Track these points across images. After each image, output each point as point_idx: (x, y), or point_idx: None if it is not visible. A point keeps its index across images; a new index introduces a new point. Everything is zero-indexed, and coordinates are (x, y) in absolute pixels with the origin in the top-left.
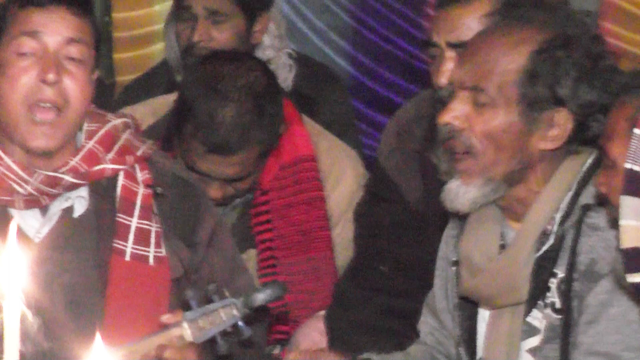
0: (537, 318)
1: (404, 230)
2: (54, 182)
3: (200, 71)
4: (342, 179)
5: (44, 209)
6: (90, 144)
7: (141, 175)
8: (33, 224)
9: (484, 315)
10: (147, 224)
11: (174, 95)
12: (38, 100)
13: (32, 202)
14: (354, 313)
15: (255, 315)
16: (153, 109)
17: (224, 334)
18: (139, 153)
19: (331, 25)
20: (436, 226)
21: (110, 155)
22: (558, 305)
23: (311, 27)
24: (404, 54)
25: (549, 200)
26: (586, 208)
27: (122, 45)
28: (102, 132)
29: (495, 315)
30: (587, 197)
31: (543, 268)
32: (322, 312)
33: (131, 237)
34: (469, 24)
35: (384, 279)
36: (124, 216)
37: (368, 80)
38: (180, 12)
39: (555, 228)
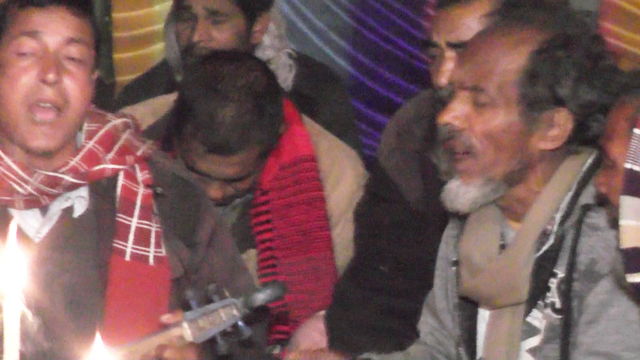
0: (537, 318)
1: (404, 230)
2: (54, 182)
3: (200, 71)
4: (342, 179)
5: (44, 209)
6: (90, 144)
7: (141, 175)
8: (33, 224)
9: (484, 315)
10: (147, 224)
11: (174, 95)
12: (38, 100)
13: (32, 202)
14: (354, 313)
15: (255, 315)
16: (153, 109)
17: (224, 334)
18: (139, 153)
19: (331, 25)
20: (436, 226)
21: (110, 155)
22: (558, 305)
23: (311, 27)
24: (404, 54)
25: (549, 200)
26: (586, 208)
27: (122, 45)
28: (102, 132)
29: (495, 315)
30: (587, 197)
31: (543, 268)
32: (322, 312)
33: (131, 237)
34: (469, 24)
35: (384, 279)
36: (124, 216)
37: (368, 80)
38: (180, 12)
39: (555, 228)
